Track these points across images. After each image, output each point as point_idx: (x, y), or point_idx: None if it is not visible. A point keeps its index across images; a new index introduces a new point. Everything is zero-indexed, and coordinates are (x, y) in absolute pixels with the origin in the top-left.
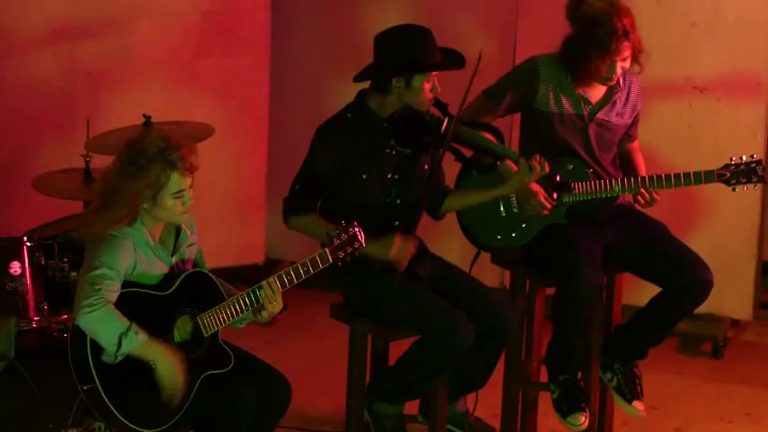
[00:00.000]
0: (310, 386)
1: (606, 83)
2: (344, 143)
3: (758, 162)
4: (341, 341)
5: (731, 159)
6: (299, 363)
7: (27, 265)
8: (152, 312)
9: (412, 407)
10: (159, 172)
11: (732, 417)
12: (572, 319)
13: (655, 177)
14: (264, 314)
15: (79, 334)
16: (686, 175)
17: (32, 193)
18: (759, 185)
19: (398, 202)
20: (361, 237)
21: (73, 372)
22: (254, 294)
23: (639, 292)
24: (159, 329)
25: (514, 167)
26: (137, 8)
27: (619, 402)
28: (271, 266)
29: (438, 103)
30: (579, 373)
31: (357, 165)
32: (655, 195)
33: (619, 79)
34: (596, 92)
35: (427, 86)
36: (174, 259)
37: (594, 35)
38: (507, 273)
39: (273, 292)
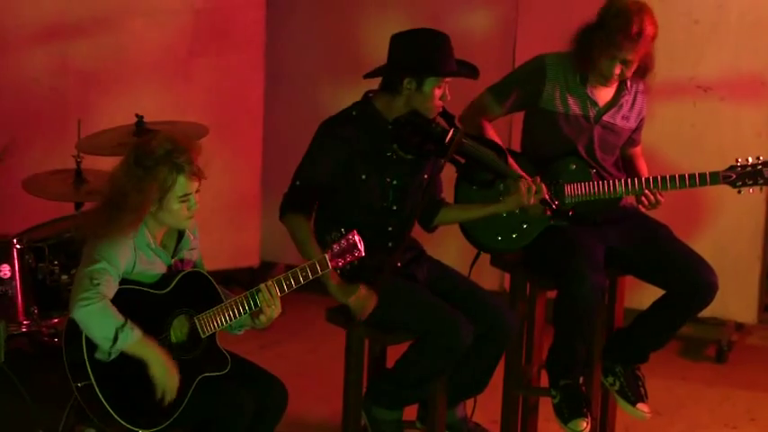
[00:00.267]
0: (306, 391)
1: (604, 82)
2: (348, 140)
3: (765, 164)
4: (337, 345)
5: (737, 161)
6: (295, 367)
7: (17, 267)
8: (148, 311)
9: (410, 412)
10: (166, 174)
11: (737, 422)
12: (574, 322)
13: (659, 178)
14: (263, 318)
15: (75, 329)
16: (691, 176)
17: (22, 194)
18: (765, 187)
19: (394, 208)
20: (361, 246)
21: (67, 369)
22: (253, 298)
23: (642, 295)
24: (155, 328)
25: (519, 170)
26: (129, 6)
27: (623, 405)
28: (266, 269)
29: (445, 113)
30: (581, 378)
31: (358, 164)
32: (659, 197)
33: (627, 82)
34: (604, 94)
35: (438, 93)
36: (173, 261)
37: (608, 24)
38: (507, 276)
39: (272, 296)
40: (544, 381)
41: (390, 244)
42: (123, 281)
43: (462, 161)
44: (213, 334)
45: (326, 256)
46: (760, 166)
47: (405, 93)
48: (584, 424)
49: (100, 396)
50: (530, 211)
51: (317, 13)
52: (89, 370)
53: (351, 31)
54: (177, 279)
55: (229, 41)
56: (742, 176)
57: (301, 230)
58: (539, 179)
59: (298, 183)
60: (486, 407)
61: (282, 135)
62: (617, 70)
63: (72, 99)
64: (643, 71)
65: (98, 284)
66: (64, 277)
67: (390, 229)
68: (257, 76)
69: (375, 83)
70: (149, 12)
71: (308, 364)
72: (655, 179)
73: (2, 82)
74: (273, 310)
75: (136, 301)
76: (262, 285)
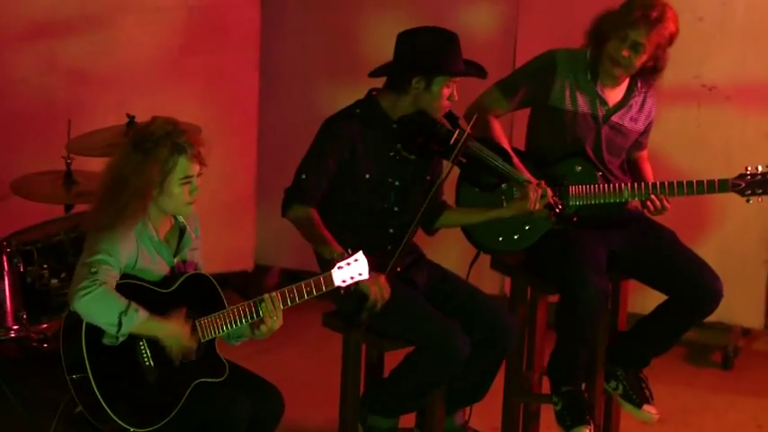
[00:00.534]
0: (302, 398)
1: (609, 68)
2: (352, 138)
3: None
4: (334, 351)
5: (746, 169)
6: (291, 373)
7: (5, 271)
8: (150, 308)
9: (408, 419)
10: (167, 155)
11: (743, 430)
12: (576, 327)
13: (666, 184)
14: (263, 329)
15: (74, 320)
16: (699, 183)
17: (11, 196)
18: None
19: (396, 209)
20: (366, 266)
21: (63, 361)
22: (256, 307)
23: (645, 299)
24: None
25: (525, 172)
26: (120, 3)
27: (628, 409)
28: (261, 273)
29: (450, 114)
30: (583, 385)
31: (361, 163)
32: (666, 203)
33: (637, 83)
34: (614, 94)
35: (446, 92)
36: (175, 260)
37: (630, 3)
38: (507, 279)
39: (275, 307)
40: (545, 387)
41: (390, 247)
42: (126, 275)
43: (467, 163)
44: (213, 340)
45: (331, 273)
46: None
47: (412, 92)
48: (587, 431)
49: (95, 388)
50: (534, 213)
51: (313, 10)
52: (86, 362)
53: (349, 29)
54: (182, 280)
55: (223, 39)
56: (752, 185)
57: (310, 222)
58: (543, 183)
59: (303, 176)
60: (486, 414)
61: (278, 135)
62: (625, 53)
63: (62, 98)
64: (653, 70)
65: (96, 272)
66: (54, 281)
67: (392, 230)
68: (252, 75)
69: (375, 81)
70: (141, 9)
71: (304, 369)
72: (662, 185)
73: None
74: (275, 321)
75: (138, 297)
76: (266, 295)
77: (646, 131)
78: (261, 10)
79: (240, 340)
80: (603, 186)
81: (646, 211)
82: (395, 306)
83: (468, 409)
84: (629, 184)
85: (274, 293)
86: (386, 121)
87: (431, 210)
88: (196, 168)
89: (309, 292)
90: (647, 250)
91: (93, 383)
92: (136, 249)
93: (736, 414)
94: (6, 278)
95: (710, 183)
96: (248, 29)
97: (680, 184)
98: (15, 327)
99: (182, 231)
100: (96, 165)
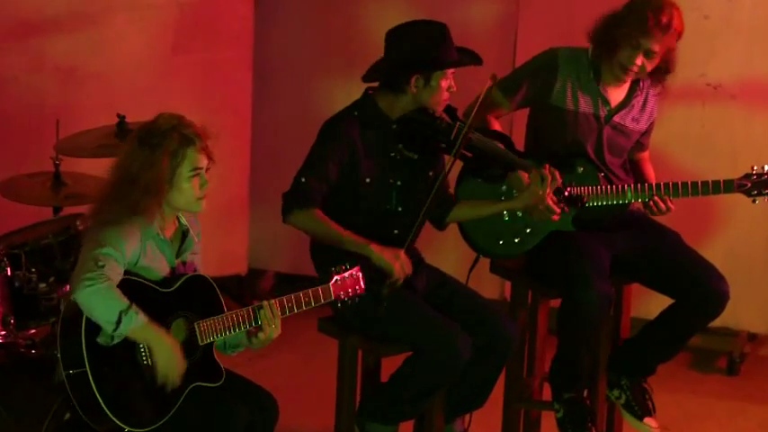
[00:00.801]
0: (297, 405)
1: (620, 74)
2: (353, 142)
3: None
4: (329, 357)
5: (752, 168)
6: (285, 380)
7: None
8: (149, 306)
9: (407, 427)
10: (176, 147)
11: None
12: (578, 332)
13: (670, 185)
14: (261, 336)
15: (74, 313)
16: (704, 183)
17: None
18: None
19: (399, 209)
20: (362, 282)
21: (60, 356)
22: (255, 313)
23: (650, 303)
24: None
25: (526, 179)
26: (110, 0)
27: (629, 420)
28: (254, 277)
29: (448, 108)
30: (585, 391)
31: (361, 167)
32: (669, 204)
33: (639, 82)
34: (617, 94)
35: (445, 85)
36: (176, 261)
37: (639, 9)
38: (508, 284)
39: (273, 315)
40: (547, 394)
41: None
42: (126, 272)
43: (470, 156)
44: (210, 344)
45: (330, 286)
46: None
47: (411, 90)
48: None
49: (92, 383)
50: (535, 216)
51: (308, 7)
52: (85, 356)
53: (345, 26)
54: (182, 280)
55: (216, 37)
56: (758, 185)
57: (317, 222)
58: (548, 167)
59: (303, 179)
60: (486, 421)
61: (272, 136)
62: (638, 61)
63: (50, 98)
64: (663, 72)
65: (103, 266)
66: (42, 285)
67: (396, 232)
68: (245, 73)
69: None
70: (131, 5)
71: (299, 375)
72: (666, 185)
73: None
74: (273, 330)
75: (139, 294)
76: (264, 302)
77: (647, 132)
78: (254, 7)
79: (236, 350)
80: (606, 187)
81: (648, 212)
82: (393, 309)
83: (467, 416)
84: (632, 185)
85: (273, 301)
86: (385, 122)
87: (441, 204)
88: (204, 161)
89: (308, 303)
90: (650, 253)
91: (90, 379)
92: (140, 247)
93: (743, 422)
94: None
95: (715, 183)
96: (241, 26)
97: (684, 184)
98: (2, 332)
99: (184, 235)
100: (86, 166)
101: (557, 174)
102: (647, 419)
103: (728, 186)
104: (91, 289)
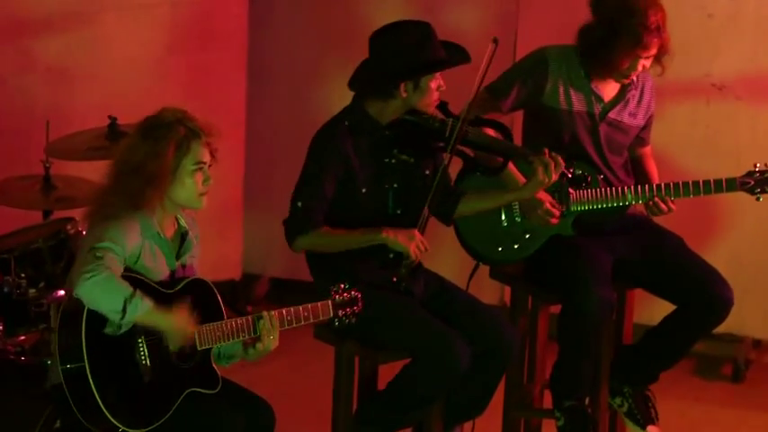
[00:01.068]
0: (292, 413)
1: (622, 80)
2: (347, 155)
3: None
4: (326, 364)
5: (755, 166)
6: (280, 387)
7: None
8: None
9: None
10: (181, 138)
11: None
12: (579, 339)
13: (671, 185)
14: (259, 347)
15: (74, 308)
16: (706, 183)
17: None
18: None
19: (399, 212)
20: (361, 304)
21: (58, 351)
22: (254, 323)
23: (652, 309)
24: None
25: (518, 174)
26: None
27: (632, 428)
28: (248, 282)
29: (440, 104)
30: (586, 399)
31: (356, 178)
32: (671, 205)
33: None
34: (609, 89)
35: (434, 85)
36: (176, 264)
37: (626, 26)
38: (507, 289)
39: (272, 326)
40: (547, 401)
41: (392, 255)
42: (128, 269)
43: (468, 152)
44: (208, 351)
45: (329, 303)
46: None
47: (402, 96)
48: None
49: (89, 378)
50: (534, 220)
51: (303, 7)
52: (84, 351)
53: (340, 26)
54: (184, 283)
55: (209, 37)
56: (761, 183)
57: (323, 238)
58: (547, 151)
59: (299, 204)
60: (485, 429)
61: (266, 138)
62: (640, 66)
63: (40, 99)
64: (661, 55)
65: (102, 258)
66: (31, 291)
67: None
68: (239, 74)
69: None
70: (124, 5)
71: (296, 383)
72: (667, 186)
73: None
74: (271, 341)
75: (142, 291)
76: (264, 313)
77: (646, 126)
78: (248, 6)
79: (230, 361)
80: (606, 190)
81: (649, 212)
82: (391, 315)
83: (465, 424)
84: (631, 187)
85: (273, 312)
86: (376, 129)
87: (447, 198)
88: (207, 156)
89: (306, 318)
90: (653, 258)
91: (88, 373)
92: (140, 244)
93: (748, 430)
94: None
95: (717, 182)
96: (235, 26)
97: (685, 184)
98: None
99: (183, 237)
100: (76, 169)
101: (559, 158)
102: (649, 428)
103: (731, 184)
104: (92, 280)
